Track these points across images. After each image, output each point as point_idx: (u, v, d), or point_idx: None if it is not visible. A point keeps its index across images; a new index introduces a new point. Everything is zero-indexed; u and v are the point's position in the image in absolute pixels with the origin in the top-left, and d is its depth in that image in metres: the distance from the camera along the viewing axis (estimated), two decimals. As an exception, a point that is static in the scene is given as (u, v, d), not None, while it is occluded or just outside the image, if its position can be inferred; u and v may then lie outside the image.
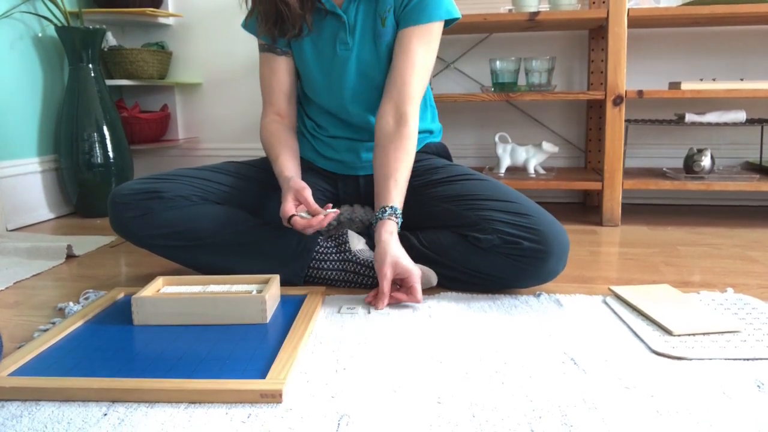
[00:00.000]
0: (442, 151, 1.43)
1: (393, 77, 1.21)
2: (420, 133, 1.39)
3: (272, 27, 1.23)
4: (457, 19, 1.23)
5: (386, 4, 1.22)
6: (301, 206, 1.13)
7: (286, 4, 1.19)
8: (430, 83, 1.43)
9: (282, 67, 1.30)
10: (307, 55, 1.28)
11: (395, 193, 1.14)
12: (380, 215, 1.12)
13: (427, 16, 1.19)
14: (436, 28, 1.21)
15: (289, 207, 1.11)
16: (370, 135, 1.34)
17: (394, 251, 1.07)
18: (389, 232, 1.10)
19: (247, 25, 1.31)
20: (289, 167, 1.21)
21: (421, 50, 1.20)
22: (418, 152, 1.38)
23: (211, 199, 1.24)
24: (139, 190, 1.20)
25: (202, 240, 1.21)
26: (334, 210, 1.11)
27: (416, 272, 1.07)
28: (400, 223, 1.13)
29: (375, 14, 1.23)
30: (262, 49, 1.31)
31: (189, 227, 1.20)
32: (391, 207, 1.12)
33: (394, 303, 1.11)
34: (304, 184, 1.14)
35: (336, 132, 1.36)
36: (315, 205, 1.11)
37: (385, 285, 1.07)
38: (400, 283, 1.10)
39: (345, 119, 1.33)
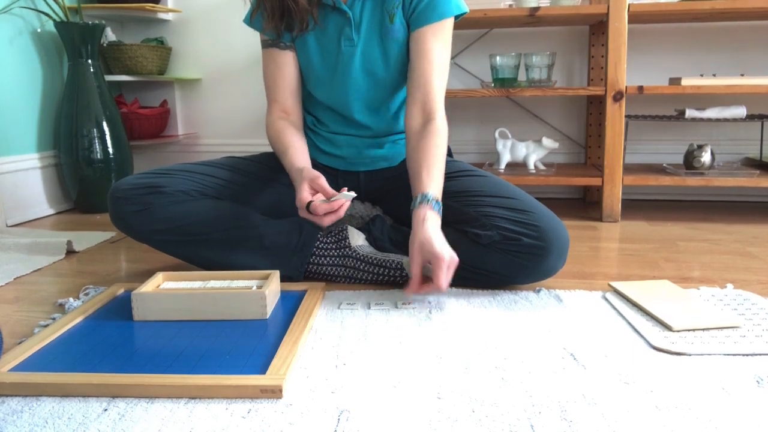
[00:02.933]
0: (442, 148, 1.43)
1: (415, 78, 1.21)
2: None
3: (278, 22, 1.23)
4: (465, 13, 1.24)
5: (394, 0, 1.21)
6: (317, 195, 1.09)
7: (295, 2, 1.18)
8: None
9: (287, 63, 1.29)
10: (311, 51, 1.27)
11: (428, 181, 1.11)
12: (413, 205, 1.10)
13: (439, 13, 1.19)
14: (448, 24, 1.22)
15: (305, 195, 1.08)
16: (371, 131, 1.34)
17: (422, 235, 1.04)
18: (421, 218, 1.07)
19: (252, 23, 1.29)
20: (299, 159, 1.19)
21: (438, 47, 1.21)
22: None
23: (211, 194, 1.24)
24: (139, 185, 1.20)
25: (201, 235, 1.21)
26: (351, 193, 1.07)
27: (443, 257, 1.01)
28: (437, 209, 1.09)
29: (382, 11, 1.22)
30: (266, 45, 1.29)
31: (189, 222, 1.20)
32: (423, 194, 1.09)
33: (424, 294, 1.09)
34: (318, 173, 1.11)
35: (336, 128, 1.35)
36: (332, 191, 1.08)
37: (414, 269, 1.05)
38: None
39: (347, 115, 1.32)
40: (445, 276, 1.02)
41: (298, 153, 1.21)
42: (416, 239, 1.05)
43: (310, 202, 1.06)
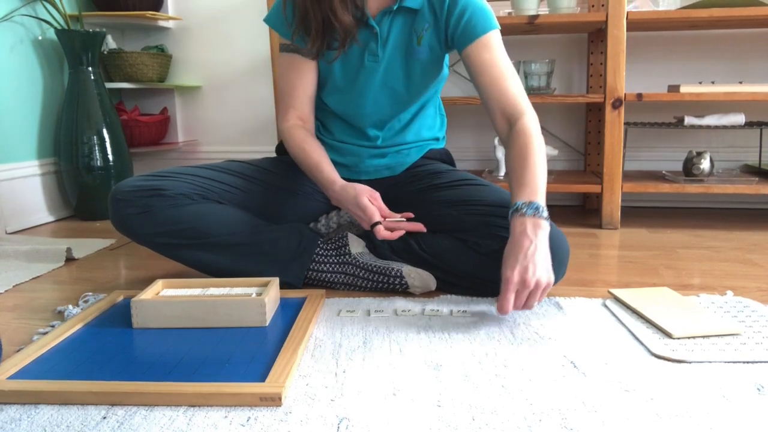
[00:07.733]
0: (445, 157, 1.43)
1: (483, 92, 1.19)
2: (428, 140, 1.39)
3: (321, 44, 1.22)
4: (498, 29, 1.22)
5: (424, 23, 1.21)
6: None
7: (339, 21, 1.17)
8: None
9: (308, 70, 1.28)
10: (334, 61, 1.26)
11: (518, 190, 1.06)
12: (509, 216, 1.06)
13: (481, 28, 1.18)
14: (494, 36, 1.19)
15: (376, 215, 1.10)
16: (377, 142, 1.34)
17: (505, 250, 1.01)
18: (512, 230, 1.03)
19: (294, 40, 1.24)
20: (334, 174, 1.21)
21: (494, 56, 1.18)
22: (421, 158, 1.38)
23: (213, 198, 1.24)
24: (141, 187, 1.20)
25: (202, 239, 1.21)
26: (417, 225, 1.12)
27: (510, 280, 0.96)
28: (531, 212, 1.02)
29: (411, 31, 1.22)
30: (286, 49, 1.28)
31: (189, 226, 1.20)
32: (512, 204, 1.05)
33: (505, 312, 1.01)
34: (374, 190, 1.15)
35: (342, 136, 1.35)
36: (389, 211, 1.13)
37: (502, 286, 1.00)
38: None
39: (357, 126, 1.32)
40: (507, 299, 0.96)
41: (332, 169, 1.22)
42: (504, 253, 1.01)
43: (376, 223, 1.10)
